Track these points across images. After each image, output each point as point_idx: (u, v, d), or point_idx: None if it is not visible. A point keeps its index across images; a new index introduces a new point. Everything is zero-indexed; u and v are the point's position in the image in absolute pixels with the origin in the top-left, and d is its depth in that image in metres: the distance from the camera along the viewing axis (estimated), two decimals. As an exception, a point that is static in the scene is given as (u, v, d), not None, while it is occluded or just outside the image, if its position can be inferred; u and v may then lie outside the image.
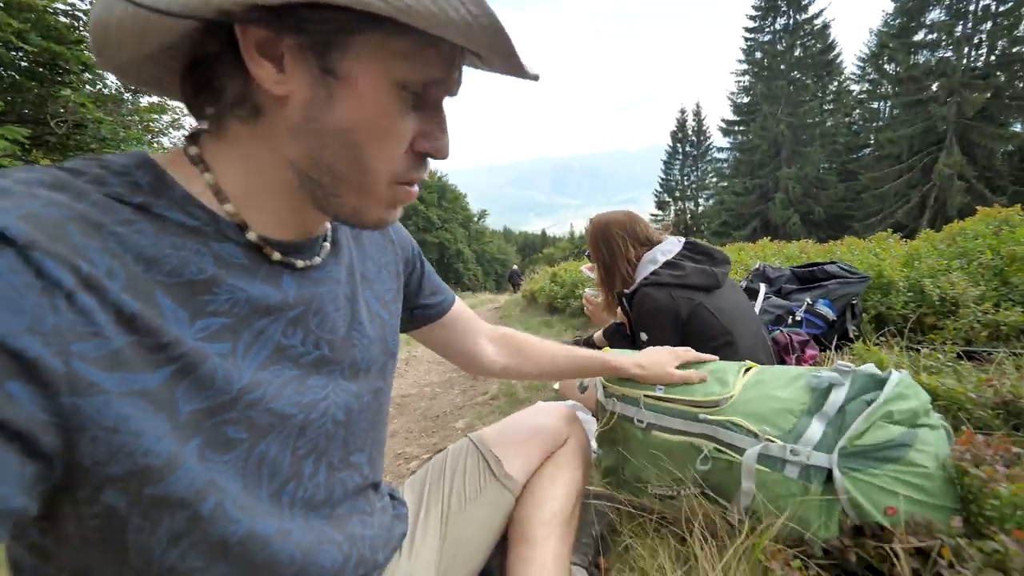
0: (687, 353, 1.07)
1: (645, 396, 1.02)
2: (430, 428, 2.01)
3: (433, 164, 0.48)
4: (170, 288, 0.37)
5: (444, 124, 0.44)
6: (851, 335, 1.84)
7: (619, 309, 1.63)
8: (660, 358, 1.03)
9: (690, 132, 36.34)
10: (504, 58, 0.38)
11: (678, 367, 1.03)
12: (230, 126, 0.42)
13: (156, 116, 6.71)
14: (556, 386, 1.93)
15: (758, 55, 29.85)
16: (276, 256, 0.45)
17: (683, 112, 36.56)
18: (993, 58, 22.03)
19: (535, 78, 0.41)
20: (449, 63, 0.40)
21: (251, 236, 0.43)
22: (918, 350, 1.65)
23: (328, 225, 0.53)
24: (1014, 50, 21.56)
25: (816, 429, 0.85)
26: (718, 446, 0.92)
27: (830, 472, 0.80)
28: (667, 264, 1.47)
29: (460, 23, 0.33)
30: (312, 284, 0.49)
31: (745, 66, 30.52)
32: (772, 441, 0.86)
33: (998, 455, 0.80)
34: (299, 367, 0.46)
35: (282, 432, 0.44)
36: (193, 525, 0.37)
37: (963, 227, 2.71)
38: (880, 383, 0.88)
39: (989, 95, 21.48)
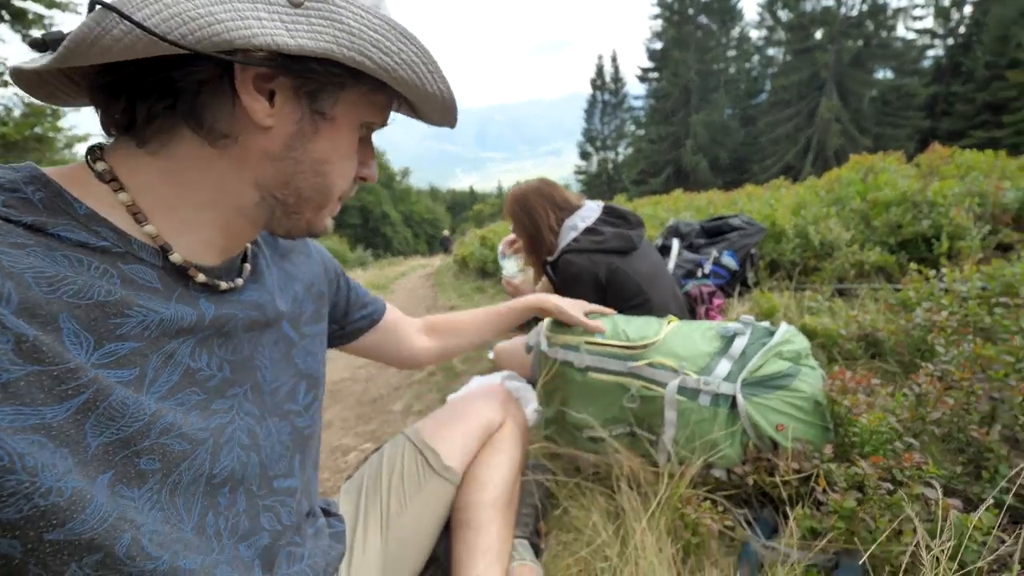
0: (590, 306, 1.17)
1: (586, 343, 1.11)
2: (367, 414, 1.95)
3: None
4: (76, 310, 0.34)
5: (374, 152, 0.55)
6: (750, 282, 2.04)
7: (544, 277, 1.67)
8: (577, 303, 1.15)
9: (608, 80, 36.44)
10: (442, 117, 0.51)
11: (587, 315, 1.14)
12: (178, 145, 0.41)
13: None
14: (491, 355, 1.97)
15: (668, -1, 30.22)
16: (201, 278, 0.45)
17: (600, 59, 36.44)
18: (866, 7, 24.19)
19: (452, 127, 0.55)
20: (390, 108, 0.52)
21: (175, 258, 0.43)
22: (804, 290, 1.89)
23: (249, 247, 0.55)
24: (880, 1, 23.82)
25: (724, 366, 0.99)
26: (644, 383, 1.02)
27: (734, 399, 0.93)
28: (587, 230, 1.51)
29: (436, 97, 0.46)
30: (231, 306, 0.48)
31: (658, 10, 30.80)
32: (688, 375, 0.98)
33: (860, 386, 0.95)
34: (204, 391, 0.45)
35: (195, 460, 0.42)
36: (106, 569, 0.34)
37: (839, 174, 3.05)
38: (771, 333, 1.04)
39: (861, 43, 23.76)
